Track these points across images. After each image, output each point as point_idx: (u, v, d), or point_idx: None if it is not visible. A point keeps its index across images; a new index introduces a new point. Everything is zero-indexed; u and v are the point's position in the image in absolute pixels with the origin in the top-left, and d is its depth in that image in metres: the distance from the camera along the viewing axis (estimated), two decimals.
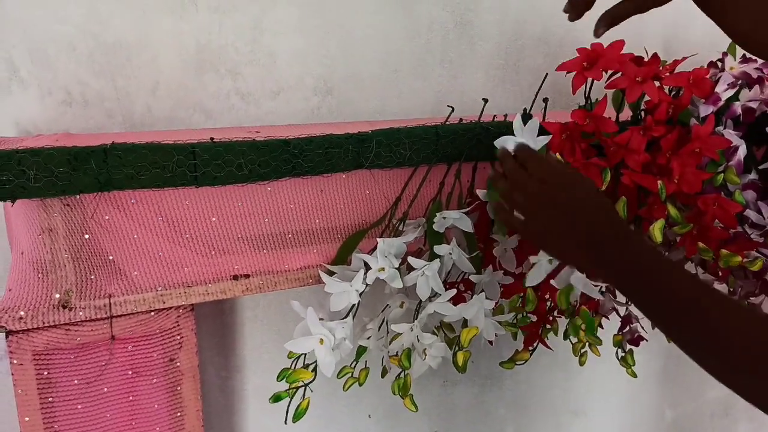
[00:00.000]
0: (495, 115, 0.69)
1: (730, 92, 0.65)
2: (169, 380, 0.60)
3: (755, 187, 0.67)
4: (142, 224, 0.56)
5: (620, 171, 0.62)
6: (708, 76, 0.65)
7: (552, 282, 0.58)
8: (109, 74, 0.66)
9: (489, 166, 0.67)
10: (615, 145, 0.61)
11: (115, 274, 0.56)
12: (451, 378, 0.96)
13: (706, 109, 0.64)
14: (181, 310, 0.59)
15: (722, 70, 0.68)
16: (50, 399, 0.55)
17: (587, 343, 0.69)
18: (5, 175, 0.47)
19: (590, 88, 0.66)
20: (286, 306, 0.80)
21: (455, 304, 0.60)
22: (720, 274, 0.66)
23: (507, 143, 0.61)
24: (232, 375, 0.81)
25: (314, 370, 0.56)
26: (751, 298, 0.67)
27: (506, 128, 0.63)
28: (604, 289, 0.72)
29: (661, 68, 0.65)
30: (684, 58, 0.68)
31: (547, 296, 0.67)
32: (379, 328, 0.64)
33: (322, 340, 0.55)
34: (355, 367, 0.62)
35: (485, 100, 0.67)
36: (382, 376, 0.65)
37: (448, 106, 0.67)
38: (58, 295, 0.53)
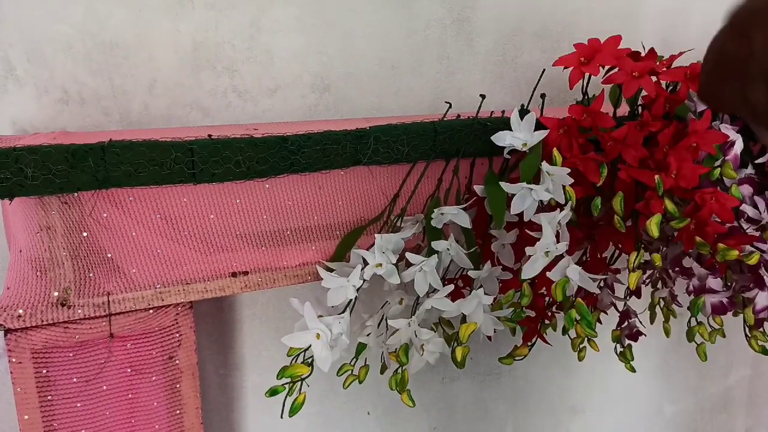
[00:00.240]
0: (492, 111, 0.69)
1: None
2: (168, 378, 0.60)
3: (752, 182, 0.67)
4: (141, 222, 0.56)
5: (617, 166, 0.62)
6: None
7: (548, 274, 0.58)
8: (106, 72, 0.66)
9: (487, 162, 0.67)
10: (612, 140, 0.62)
11: (114, 271, 0.56)
12: (450, 374, 0.97)
13: (702, 104, 0.64)
14: (179, 308, 0.59)
15: None
16: (49, 397, 0.55)
17: (586, 339, 0.69)
18: (3, 173, 0.47)
19: (587, 83, 0.66)
20: (284, 303, 0.80)
21: (454, 300, 0.60)
22: (717, 268, 0.66)
23: (505, 138, 0.61)
24: (231, 372, 0.81)
25: (311, 364, 0.56)
26: (746, 293, 0.67)
27: (504, 124, 0.63)
28: (602, 284, 0.72)
29: (657, 63, 0.65)
30: (681, 53, 0.68)
31: (543, 291, 0.67)
32: (378, 324, 0.64)
33: (318, 335, 0.55)
34: (354, 364, 0.62)
35: (483, 96, 0.67)
36: (381, 373, 0.65)
37: (446, 102, 0.67)
38: (56, 293, 0.53)
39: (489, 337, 0.63)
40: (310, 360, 0.56)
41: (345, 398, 0.89)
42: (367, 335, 0.64)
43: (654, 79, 0.62)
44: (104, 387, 0.57)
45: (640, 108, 0.67)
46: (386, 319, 0.64)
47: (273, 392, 0.55)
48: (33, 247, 0.53)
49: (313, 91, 0.75)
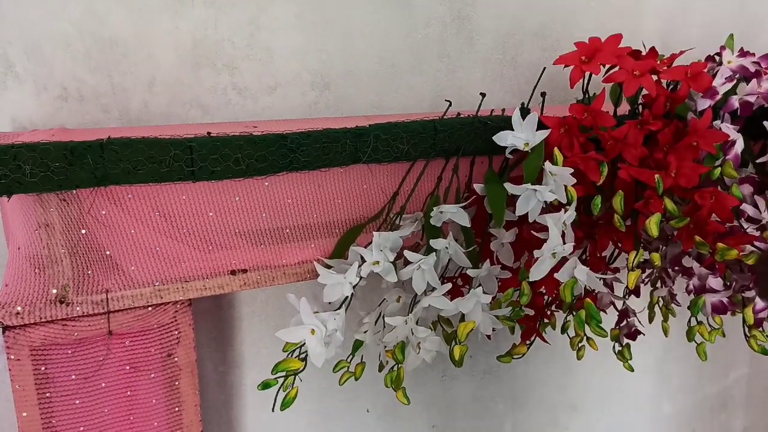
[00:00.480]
0: (493, 110, 0.69)
1: (728, 86, 0.65)
2: (167, 375, 0.60)
3: (752, 181, 0.67)
4: (139, 219, 0.56)
5: (617, 165, 0.62)
6: (706, 70, 0.65)
7: (556, 275, 0.58)
8: (105, 70, 0.66)
9: (487, 161, 0.67)
10: (612, 139, 0.61)
11: (112, 269, 0.56)
12: (449, 373, 0.97)
13: (703, 103, 0.64)
14: (178, 305, 0.59)
15: (720, 64, 0.67)
16: (48, 394, 0.55)
17: (585, 338, 0.69)
18: (1, 170, 0.47)
19: (588, 82, 0.66)
20: (283, 301, 0.80)
21: (452, 299, 0.60)
22: (716, 267, 0.66)
23: (506, 138, 0.61)
24: (230, 370, 0.81)
25: (305, 359, 0.56)
26: (746, 293, 0.67)
27: (504, 122, 0.63)
28: (602, 283, 0.72)
29: (658, 62, 0.65)
30: (682, 52, 0.68)
31: (542, 290, 0.67)
32: (376, 322, 0.64)
33: (313, 331, 0.55)
34: (351, 361, 0.62)
35: (483, 95, 0.67)
36: (380, 371, 0.65)
37: (446, 100, 0.67)
38: (55, 291, 0.53)
39: (488, 336, 0.63)
40: (304, 356, 0.56)
41: (344, 396, 0.89)
42: (364, 332, 0.64)
43: (655, 77, 0.62)
44: (103, 384, 0.57)
45: (640, 107, 0.67)
46: (383, 317, 0.64)
47: (266, 385, 0.55)
48: (31, 244, 0.53)
49: (312, 89, 0.75)
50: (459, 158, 0.65)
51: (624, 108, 0.68)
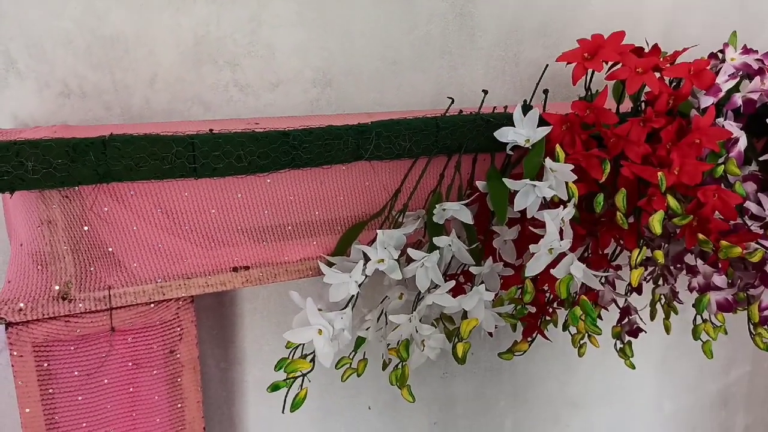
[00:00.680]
0: (495, 107, 0.69)
1: (731, 83, 0.65)
2: (169, 372, 0.60)
3: (755, 179, 0.67)
4: (142, 216, 0.56)
5: (620, 162, 0.62)
6: (709, 67, 0.65)
7: (552, 272, 0.58)
8: (107, 67, 0.66)
9: (489, 158, 0.67)
10: (615, 137, 0.61)
11: (115, 265, 0.56)
12: (450, 370, 0.97)
13: (706, 101, 0.64)
14: (181, 302, 0.59)
15: (723, 61, 0.67)
16: (50, 390, 0.55)
17: (586, 334, 0.69)
18: (3, 167, 0.47)
19: (590, 79, 0.65)
20: (285, 298, 0.80)
21: (455, 296, 0.60)
22: (720, 265, 0.66)
23: (507, 134, 0.60)
24: (232, 367, 0.81)
25: (312, 360, 0.56)
26: (750, 290, 0.67)
27: (506, 119, 0.63)
28: (603, 281, 0.72)
29: (661, 59, 0.65)
30: (685, 49, 0.68)
31: (545, 287, 0.67)
32: (378, 319, 0.64)
33: (320, 331, 0.55)
34: (353, 358, 0.62)
35: (485, 92, 0.66)
36: (383, 369, 0.65)
37: (448, 97, 0.67)
38: (57, 287, 0.53)
39: (490, 333, 0.63)
40: (311, 356, 0.56)
41: (346, 393, 0.89)
42: (367, 329, 0.64)
43: (657, 75, 0.62)
44: (105, 381, 0.57)
45: (643, 104, 0.66)
46: (386, 314, 0.64)
47: (275, 387, 0.55)
48: (34, 240, 0.53)
49: (314, 86, 0.75)
50: (461, 155, 0.65)
51: (626, 105, 0.68)
